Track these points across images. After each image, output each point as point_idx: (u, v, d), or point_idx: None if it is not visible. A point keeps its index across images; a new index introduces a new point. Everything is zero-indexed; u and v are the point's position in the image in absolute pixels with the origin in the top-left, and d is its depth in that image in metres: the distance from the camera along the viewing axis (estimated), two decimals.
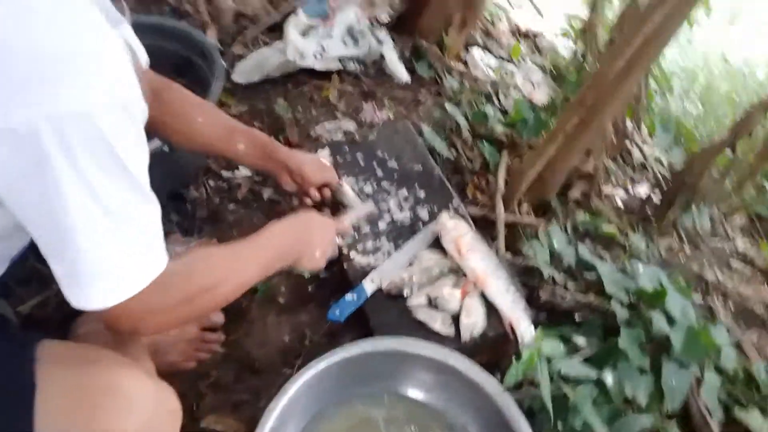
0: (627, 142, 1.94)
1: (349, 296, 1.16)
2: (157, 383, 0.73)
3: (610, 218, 1.73)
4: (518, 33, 3.44)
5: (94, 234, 0.60)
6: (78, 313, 0.98)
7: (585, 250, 1.38)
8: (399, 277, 1.19)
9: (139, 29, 1.60)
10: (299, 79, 1.85)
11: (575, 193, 1.73)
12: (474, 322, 1.14)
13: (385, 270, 1.21)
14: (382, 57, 1.95)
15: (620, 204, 1.89)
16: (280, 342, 1.22)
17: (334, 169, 1.29)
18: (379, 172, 1.42)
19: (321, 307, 1.26)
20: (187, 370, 1.15)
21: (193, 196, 1.48)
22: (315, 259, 1.05)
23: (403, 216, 1.33)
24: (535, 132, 1.68)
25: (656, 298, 1.18)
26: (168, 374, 1.13)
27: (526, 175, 1.42)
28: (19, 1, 0.55)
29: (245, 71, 1.80)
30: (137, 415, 0.66)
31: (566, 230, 1.58)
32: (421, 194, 1.38)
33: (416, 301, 1.16)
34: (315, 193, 1.23)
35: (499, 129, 1.74)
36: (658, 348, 1.16)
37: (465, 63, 2.42)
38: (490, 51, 2.82)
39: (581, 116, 1.28)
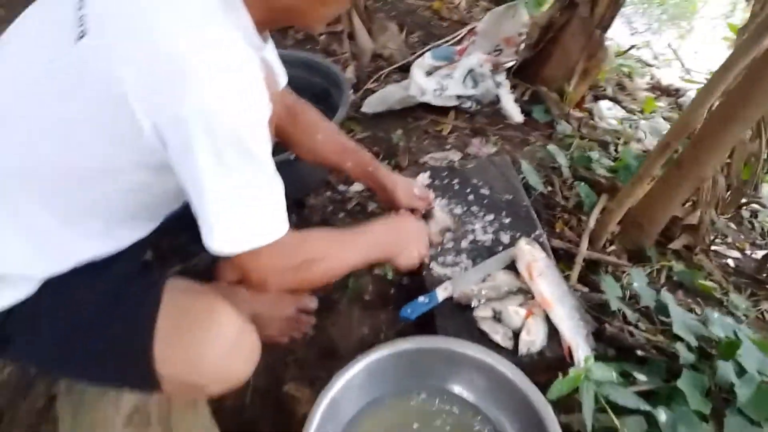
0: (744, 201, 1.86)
1: (421, 299, 1.30)
2: (244, 323, 0.93)
3: (713, 275, 1.68)
4: (659, 89, 3.39)
5: (221, 195, 0.79)
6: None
7: (668, 296, 1.38)
8: (470, 289, 1.30)
9: (291, 62, 1.94)
10: (418, 113, 2.06)
11: (677, 244, 1.71)
12: (533, 340, 1.21)
13: (459, 281, 1.33)
14: (498, 98, 2.10)
15: (731, 264, 1.81)
16: (359, 334, 1.39)
17: (426, 197, 1.44)
18: (471, 197, 1.55)
19: (399, 308, 1.40)
20: (280, 344, 1.36)
21: (311, 203, 1.73)
22: (412, 257, 1.23)
23: (486, 238, 1.45)
24: None
25: (728, 349, 1.17)
26: (264, 345, 1.37)
27: (613, 215, 1.47)
28: (182, 23, 0.75)
29: (372, 103, 2.05)
30: (222, 340, 0.86)
31: (657, 278, 1.57)
32: (506, 221, 1.48)
33: (482, 313, 1.27)
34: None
35: (601, 173, 1.79)
36: (725, 401, 1.14)
37: (590, 113, 2.48)
38: (620, 104, 2.83)
39: (667, 160, 1.31)
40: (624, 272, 1.50)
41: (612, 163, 1.90)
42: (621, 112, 2.73)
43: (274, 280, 0.93)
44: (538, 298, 1.27)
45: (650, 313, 1.36)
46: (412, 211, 1.42)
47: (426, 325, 1.31)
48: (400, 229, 1.23)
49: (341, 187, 1.78)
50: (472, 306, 1.28)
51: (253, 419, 1.25)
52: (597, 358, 1.22)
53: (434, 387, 1.16)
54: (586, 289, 1.41)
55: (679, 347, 1.17)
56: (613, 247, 1.55)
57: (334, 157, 1.37)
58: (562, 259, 1.50)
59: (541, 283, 1.28)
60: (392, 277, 1.46)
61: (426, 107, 2.06)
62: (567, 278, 1.38)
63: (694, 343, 1.19)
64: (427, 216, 1.47)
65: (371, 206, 1.71)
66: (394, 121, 2.04)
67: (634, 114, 2.74)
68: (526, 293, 1.30)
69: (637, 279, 1.38)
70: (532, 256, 1.32)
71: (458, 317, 1.28)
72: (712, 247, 1.81)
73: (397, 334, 1.37)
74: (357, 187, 1.79)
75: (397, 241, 1.20)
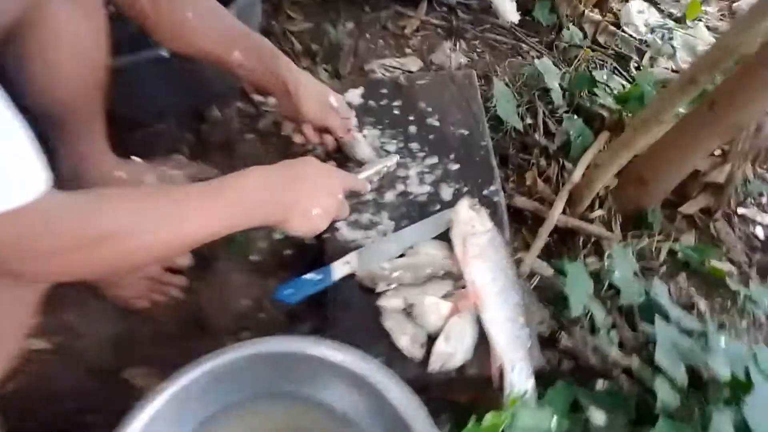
0: None
1: (310, 276, 0.93)
2: None
3: (733, 251, 1.27)
4: None
5: None
6: None
7: (660, 291, 0.99)
8: (380, 266, 0.93)
9: None
10: (381, 1, 1.57)
11: (692, 207, 1.29)
12: (452, 352, 0.85)
13: (368, 254, 0.95)
14: None
15: (761, 235, 1.39)
16: (237, 305, 1.04)
17: (346, 113, 1.04)
18: (412, 129, 1.13)
19: (298, 274, 1.05)
20: (136, 309, 1.03)
21: (214, 117, 1.32)
22: (310, 219, 0.81)
23: (421, 190, 1.04)
24: None
25: (732, 391, 0.80)
26: (115, 309, 1.04)
27: (603, 168, 1.04)
28: None
29: None
30: None
31: (656, 254, 1.18)
32: (453, 167, 1.07)
33: (389, 303, 0.90)
34: (311, 134, 1.02)
35: (607, 103, 1.33)
36: None
37: (614, 16, 1.95)
38: (657, 6, 2.25)
39: (693, 97, 0.86)
40: (604, 246, 1.10)
41: (621, 87, 1.44)
42: (655, 17, 2.17)
43: (36, 263, 0.57)
44: (470, 289, 0.89)
45: (631, 314, 0.98)
46: (326, 131, 1.02)
47: (323, 307, 0.95)
48: (287, 180, 0.80)
49: (258, 97, 1.36)
50: (378, 291, 0.91)
51: (75, 411, 0.94)
52: (544, 376, 0.87)
53: (301, 396, 0.83)
54: (550, 272, 1.02)
55: (659, 385, 0.81)
56: (599, 212, 1.14)
57: (213, 46, 0.95)
58: (527, 224, 1.10)
59: (478, 266, 0.90)
60: (281, 234, 1.08)
61: None
62: (524, 253, 0.99)
63: (681, 379, 0.82)
64: (345, 148, 1.07)
65: (288, 127, 1.29)
66: (346, 10, 1.55)
67: (674, 21, 2.18)
68: (457, 279, 0.92)
69: (620, 263, 1.00)
70: (473, 225, 0.93)
71: (359, 304, 0.92)
72: (739, 210, 1.38)
73: (284, 314, 1.03)
74: None
75: (282, 197, 0.79)
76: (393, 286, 0.91)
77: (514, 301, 0.88)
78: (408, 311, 0.88)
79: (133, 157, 1.17)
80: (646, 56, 1.76)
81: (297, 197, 0.79)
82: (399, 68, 1.37)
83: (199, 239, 0.69)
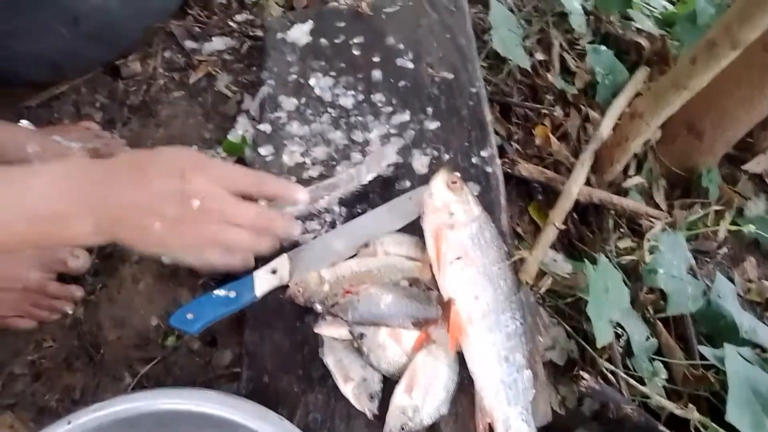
0: None
1: (220, 292, 0.65)
2: None
3: None
4: None
5: None
6: None
7: (727, 289, 0.70)
8: (320, 275, 0.65)
9: None
10: None
11: (761, 164, 0.97)
12: (418, 404, 0.58)
13: (306, 256, 0.68)
14: None
15: None
16: (142, 326, 0.78)
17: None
18: (377, 74, 0.82)
19: (218, 282, 0.78)
20: (19, 329, 0.78)
21: (132, 72, 1.02)
22: (151, 236, 0.52)
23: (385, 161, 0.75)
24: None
25: None
26: None
27: (647, 117, 0.73)
28: None
29: None
30: None
31: (713, 233, 0.88)
32: (431, 126, 0.77)
33: (331, 330, 0.63)
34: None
35: (645, 27, 0.99)
36: None
37: None
38: None
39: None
40: (650, 226, 0.80)
41: (664, 6, 1.09)
42: None
43: None
44: (446, 310, 0.60)
45: (686, 325, 0.69)
46: None
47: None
48: (121, 171, 0.52)
49: (189, 44, 1.06)
50: (319, 312, 0.64)
51: None
52: (557, 428, 0.60)
53: None
54: (567, 269, 0.73)
55: None
56: (636, 179, 0.83)
57: None
58: (537, 200, 0.80)
59: (457, 276, 0.61)
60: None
61: None
62: (531, 245, 0.70)
63: None
64: None
65: (223, 80, 1.00)
66: None
67: None
68: (428, 290, 0.64)
69: (668, 257, 0.69)
70: (450, 213, 0.64)
71: (287, 333, 0.65)
72: None
73: (201, 341, 0.76)
74: (218, 44, 1.06)
75: (100, 195, 0.50)
76: (337, 302, 0.63)
77: (510, 329, 0.59)
78: (357, 344, 0.61)
79: (22, 121, 0.91)
80: None
81: (123, 198, 0.50)
82: None
83: None
